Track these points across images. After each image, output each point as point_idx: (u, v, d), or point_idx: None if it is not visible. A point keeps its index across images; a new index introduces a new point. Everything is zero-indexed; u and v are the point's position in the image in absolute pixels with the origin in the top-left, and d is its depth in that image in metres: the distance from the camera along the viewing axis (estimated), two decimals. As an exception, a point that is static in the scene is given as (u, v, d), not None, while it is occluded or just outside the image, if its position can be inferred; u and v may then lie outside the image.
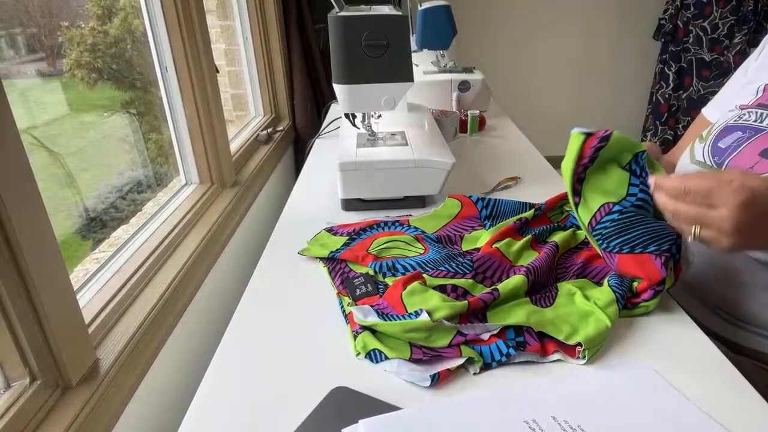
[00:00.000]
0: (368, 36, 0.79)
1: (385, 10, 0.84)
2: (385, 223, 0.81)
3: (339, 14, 0.79)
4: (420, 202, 0.90)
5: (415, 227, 0.80)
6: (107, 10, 1.11)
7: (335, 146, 0.93)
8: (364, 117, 0.94)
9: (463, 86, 1.34)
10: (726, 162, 0.66)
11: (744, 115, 0.68)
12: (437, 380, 0.51)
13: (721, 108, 0.82)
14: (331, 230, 0.80)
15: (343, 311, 0.62)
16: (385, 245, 0.74)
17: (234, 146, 1.39)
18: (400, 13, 0.80)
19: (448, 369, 0.52)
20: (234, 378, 0.53)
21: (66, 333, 0.60)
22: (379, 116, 1.03)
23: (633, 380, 0.50)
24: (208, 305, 1.01)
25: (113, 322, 0.74)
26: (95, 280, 0.80)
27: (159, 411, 0.79)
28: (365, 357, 0.54)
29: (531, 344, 0.54)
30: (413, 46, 1.38)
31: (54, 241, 0.60)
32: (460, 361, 0.53)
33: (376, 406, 0.47)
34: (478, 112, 1.30)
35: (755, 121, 0.66)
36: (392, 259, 0.70)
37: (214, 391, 0.52)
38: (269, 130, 1.63)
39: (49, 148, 0.90)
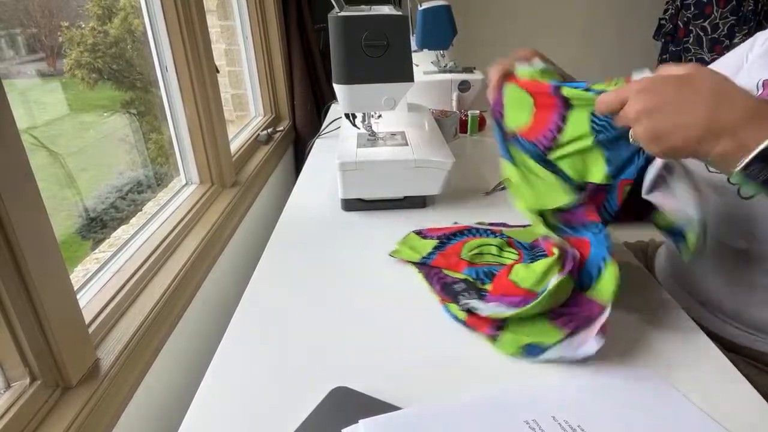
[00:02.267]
0: (368, 36, 0.78)
1: (385, 10, 0.84)
2: (477, 229, 0.79)
3: (339, 14, 0.79)
4: (420, 202, 0.90)
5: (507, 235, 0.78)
6: (107, 10, 1.11)
7: (335, 146, 0.93)
8: (364, 117, 0.94)
9: (463, 86, 1.34)
10: None
11: None
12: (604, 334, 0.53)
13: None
14: (419, 233, 0.78)
15: (456, 317, 0.61)
16: (477, 250, 0.73)
17: (234, 146, 1.39)
18: (400, 13, 0.80)
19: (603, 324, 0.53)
20: (234, 378, 0.53)
21: (66, 333, 0.60)
22: (379, 116, 1.03)
23: (633, 380, 0.50)
24: (208, 305, 1.01)
25: (113, 322, 0.74)
26: (95, 280, 0.80)
27: (159, 411, 0.80)
28: (524, 354, 0.55)
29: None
30: (413, 46, 1.37)
31: (54, 241, 0.60)
32: (604, 317, 0.53)
33: (376, 406, 0.47)
34: (478, 112, 1.30)
35: None
36: (487, 266, 0.69)
37: (214, 391, 0.52)
38: (269, 130, 1.63)
39: (49, 148, 0.90)
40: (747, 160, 0.45)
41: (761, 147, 0.44)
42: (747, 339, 0.68)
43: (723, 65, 0.81)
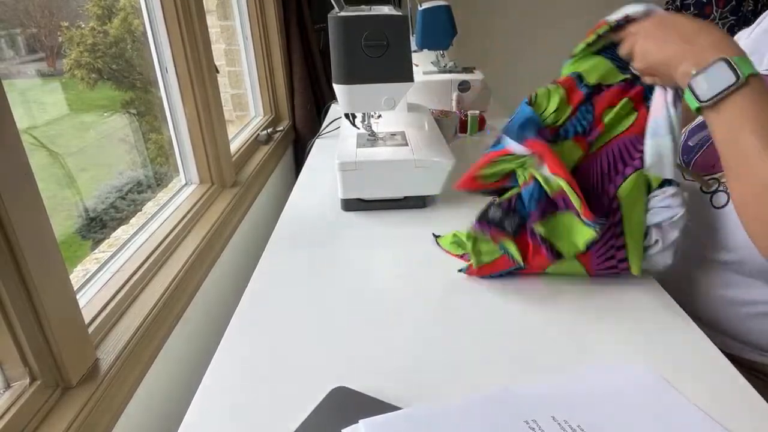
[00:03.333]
0: (368, 36, 0.78)
1: (385, 10, 0.84)
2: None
3: (339, 14, 0.79)
4: (420, 202, 0.90)
5: None
6: (107, 10, 1.11)
7: (335, 146, 0.93)
8: (364, 117, 0.94)
9: (463, 86, 1.34)
10: (693, 160, 0.66)
11: None
12: None
13: None
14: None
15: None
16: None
17: (234, 146, 1.39)
18: (400, 13, 0.80)
19: None
20: (234, 378, 0.53)
21: (66, 333, 0.60)
22: (379, 116, 1.03)
23: (633, 380, 0.50)
24: (208, 305, 1.01)
25: (113, 322, 0.74)
26: (95, 280, 0.80)
27: (159, 411, 0.80)
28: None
29: None
30: (413, 46, 1.37)
31: (54, 241, 0.60)
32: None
33: (376, 406, 0.47)
34: (478, 112, 1.30)
35: None
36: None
37: (214, 391, 0.52)
38: (269, 130, 1.63)
39: (49, 148, 0.90)
40: (695, 72, 0.52)
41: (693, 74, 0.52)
42: (742, 350, 0.69)
43: None
